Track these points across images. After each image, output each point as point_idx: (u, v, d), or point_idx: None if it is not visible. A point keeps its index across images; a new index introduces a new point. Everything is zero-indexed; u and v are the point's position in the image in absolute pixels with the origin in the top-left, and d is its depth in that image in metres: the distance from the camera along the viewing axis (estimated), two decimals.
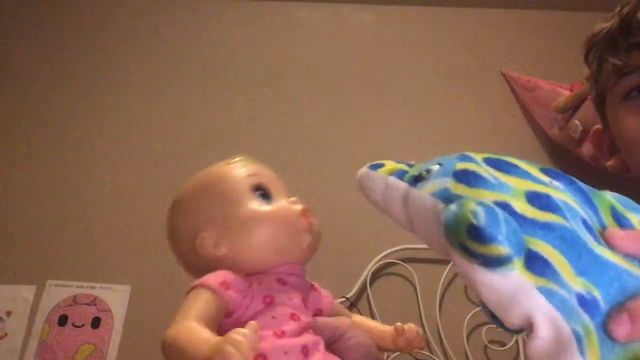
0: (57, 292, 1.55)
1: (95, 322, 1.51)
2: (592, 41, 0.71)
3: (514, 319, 0.36)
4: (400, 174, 0.47)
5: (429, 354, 1.45)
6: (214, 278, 0.50)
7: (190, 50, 1.91)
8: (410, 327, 0.59)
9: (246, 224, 0.55)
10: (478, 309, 1.49)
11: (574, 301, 0.35)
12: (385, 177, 0.48)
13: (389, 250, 1.54)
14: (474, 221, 0.35)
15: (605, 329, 0.34)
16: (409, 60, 1.90)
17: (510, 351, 1.46)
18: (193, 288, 0.49)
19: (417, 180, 0.44)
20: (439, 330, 1.48)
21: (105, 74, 1.88)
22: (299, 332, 0.50)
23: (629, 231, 0.39)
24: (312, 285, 0.58)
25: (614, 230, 0.39)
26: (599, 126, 0.79)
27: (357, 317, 0.62)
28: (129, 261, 1.59)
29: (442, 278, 1.52)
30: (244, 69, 1.88)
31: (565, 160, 1.68)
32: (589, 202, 0.42)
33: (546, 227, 0.37)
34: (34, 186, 1.70)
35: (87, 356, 1.48)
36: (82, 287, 1.55)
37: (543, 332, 0.35)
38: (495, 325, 0.41)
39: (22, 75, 1.88)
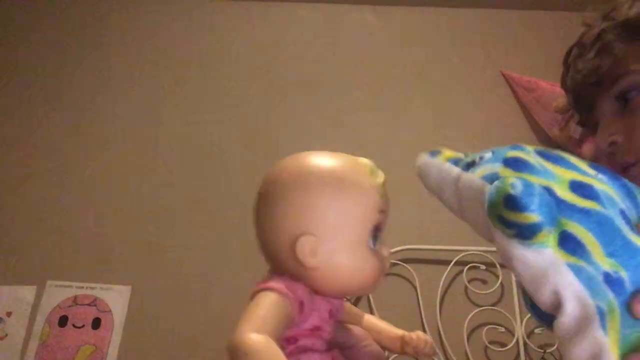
0: (58, 293, 1.54)
1: (96, 323, 1.51)
2: None
3: (545, 297, 0.39)
4: (455, 161, 0.50)
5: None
6: (297, 295, 0.48)
7: (190, 51, 1.91)
8: (419, 335, 0.59)
9: (351, 255, 0.51)
10: (478, 309, 1.50)
11: (600, 278, 0.37)
12: (441, 162, 0.51)
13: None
14: (511, 191, 0.38)
15: (628, 307, 0.36)
16: (409, 60, 1.90)
17: (510, 352, 1.46)
18: (278, 291, 0.47)
19: (469, 166, 0.47)
20: (439, 331, 1.48)
21: (105, 74, 1.88)
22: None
23: None
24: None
25: None
26: None
27: (368, 318, 0.62)
28: (129, 262, 1.59)
29: (442, 278, 1.52)
30: (243, 69, 1.88)
31: None
32: (631, 196, 0.45)
33: (584, 212, 0.40)
34: (34, 187, 1.70)
35: (87, 357, 1.47)
36: (82, 287, 1.55)
37: (570, 308, 0.37)
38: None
39: (24, 76, 1.88)
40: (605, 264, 0.38)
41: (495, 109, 1.81)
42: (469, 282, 1.53)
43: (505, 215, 0.38)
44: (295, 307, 0.47)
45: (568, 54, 0.76)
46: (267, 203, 0.53)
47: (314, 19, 1.98)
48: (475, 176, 0.45)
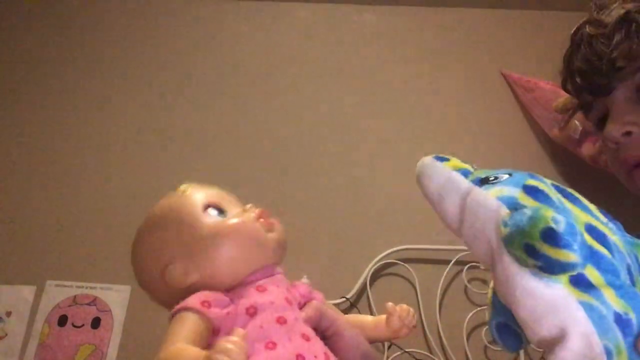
0: (57, 293, 1.55)
1: (95, 323, 1.51)
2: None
3: (545, 330, 0.38)
4: (465, 173, 0.49)
5: (428, 354, 1.45)
6: (194, 299, 0.50)
7: (190, 51, 1.91)
8: (402, 306, 0.60)
9: (208, 243, 0.55)
10: (478, 309, 1.50)
11: (611, 318, 0.37)
12: (449, 170, 0.50)
13: (389, 251, 1.54)
14: (554, 226, 0.37)
15: (636, 348, 0.37)
16: (408, 60, 1.90)
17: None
18: (176, 312, 0.50)
19: (483, 182, 0.47)
20: (438, 331, 1.48)
21: (106, 75, 1.88)
22: (290, 337, 0.50)
23: None
24: (296, 284, 0.58)
25: None
26: None
27: (349, 316, 0.62)
28: (129, 261, 1.58)
29: (442, 278, 1.53)
30: (243, 69, 1.88)
31: (565, 161, 1.68)
32: (634, 252, 0.45)
33: (598, 256, 0.40)
34: (34, 186, 1.70)
35: (87, 356, 1.48)
36: (82, 287, 1.55)
37: (573, 345, 0.37)
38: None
39: (24, 75, 1.88)
40: (617, 304, 0.38)
41: (495, 109, 1.81)
42: (468, 281, 1.53)
43: (539, 246, 0.37)
44: (200, 310, 0.49)
45: (576, 32, 0.70)
46: (132, 260, 0.64)
47: (313, 19, 1.97)
48: (489, 194, 0.45)
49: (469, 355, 1.45)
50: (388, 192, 1.67)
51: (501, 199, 0.44)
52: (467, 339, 1.47)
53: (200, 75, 1.87)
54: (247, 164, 1.71)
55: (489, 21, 1.95)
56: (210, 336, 0.48)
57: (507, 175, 0.47)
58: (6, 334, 1.51)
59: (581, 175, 1.65)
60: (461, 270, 1.54)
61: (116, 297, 1.54)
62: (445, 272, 1.53)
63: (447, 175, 0.49)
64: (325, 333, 0.55)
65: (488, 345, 1.46)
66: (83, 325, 1.51)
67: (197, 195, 0.59)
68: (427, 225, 1.63)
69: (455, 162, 0.52)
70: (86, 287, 1.55)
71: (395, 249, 1.54)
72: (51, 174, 1.72)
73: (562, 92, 1.58)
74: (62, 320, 1.51)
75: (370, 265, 1.53)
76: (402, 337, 0.59)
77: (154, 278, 0.58)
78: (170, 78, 1.87)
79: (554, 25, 1.90)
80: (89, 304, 1.53)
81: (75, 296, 1.54)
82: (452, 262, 1.54)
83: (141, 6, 1.99)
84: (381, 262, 1.54)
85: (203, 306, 0.49)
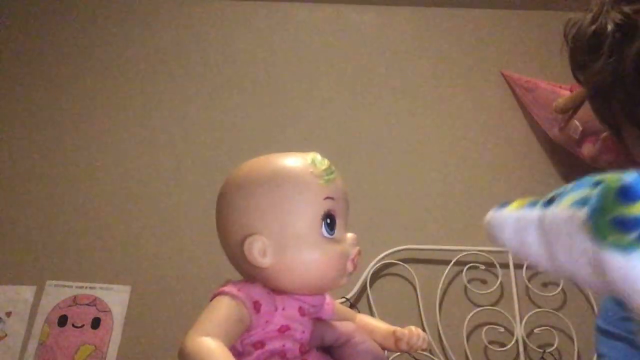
0: (57, 293, 1.55)
1: (95, 323, 1.51)
2: None
3: None
4: (531, 205, 0.45)
5: (428, 354, 1.45)
6: (250, 295, 0.48)
7: (190, 51, 1.91)
8: (411, 330, 0.57)
9: (304, 248, 0.51)
10: (478, 309, 1.50)
11: None
12: (515, 210, 0.46)
13: (389, 251, 1.54)
14: (623, 182, 0.32)
15: None
16: (409, 60, 1.90)
17: (510, 351, 1.46)
18: (228, 294, 0.47)
19: (549, 202, 0.42)
20: (439, 331, 1.48)
21: (106, 76, 1.88)
22: None
23: None
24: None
25: None
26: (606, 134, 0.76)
27: (361, 317, 0.61)
28: (129, 261, 1.59)
29: (442, 278, 1.53)
30: (243, 69, 1.88)
31: (565, 161, 1.68)
32: None
33: None
34: (34, 187, 1.70)
35: (87, 356, 1.47)
36: (82, 287, 1.55)
37: None
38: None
39: (23, 75, 1.88)
40: None
41: (495, 109, 1.81)
42: (468, 282, 1.53)
43: (621, 212, 0.32)
44: (249, 308, 0.47)
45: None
46: (218, 209, 0.55)
47: (313, 19, 1.98)
48: (561, 208, 0.40)
49: (469, 355, 1.45)
50: (388, 193, 1.67)
51: (574, 204, 0.39)
52: (467, 339, 1.47)
53: (200, 75, 1.87)
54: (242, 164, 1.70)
55: (489, 21, 1.95)
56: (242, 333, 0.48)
57: (570, 185, 0.43)
58: (6, 334, 1.50)
59: (581, 175, 1.65)
60: (461, 271, 1.54)
61: (116, 297, 1.54)
62: (445, 272, 1.53)
63: (514, 217, 0.45)
64: (335, 344, 0.55)
65: (488, 345, 1.46)
66: (83, 325, 1.51)
67: (327, 190, 0.52)
68: (427, 225, 1.63)
69: (518, 202, 0.47)
70: (86, 287, 1.55)
71: (395, 249, 1.54)
72: (51, 174, 1.72)
73: (562, 93, 1.59)
74: (62, 321, 1.51)
75: (370, 266, 1.53)
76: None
77: (233, 240, 0.52)
78: (170, 78, 1.87)
79: (554, 25, 1.90)
80: (89, 304, 1.53)
81: (75, 296, 1.54)
82: (452, 262, 1.54)
83: (142, 6, 1.99)
84: (381, 262, 1.54)
85: (254, 307, 0.47)
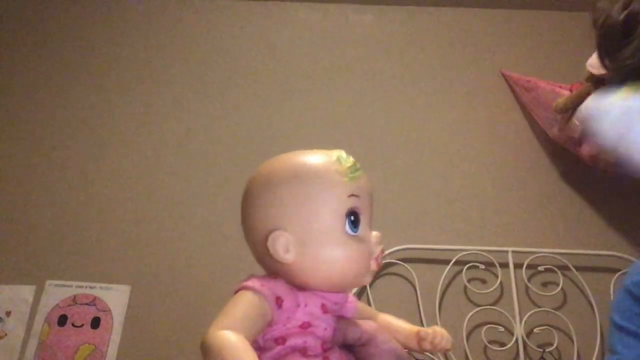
0: (57, 292, 1.55)
1: (95, 322, 1.51)
2: None
3: None
4: None
5: (428, 354, 1.45)
6: (273, 291, 0.48)
7: (190, 51, 1.91)
8: (435, 330, 0.57)
9: (327, 245, 0.51)
10: (478, 309, 1.50)
11: None
12: (621, 101, 0.44)
13: (389, 251, 1.53)
14: None
15: None
16: (409, 60, 1.90)
17: (510, 351, 1.46)
18: (251, 289, 0.47)
19: None
20: None
21: (106, 76, 1.88)
22: None
23: None
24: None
25: None
26: None
27: (383, 316, 0.61)
28: (129, 261, 1.59)
29: (442, 278, 1.53)
30: (243, 69, 1.88)
31: (565, 160, 1.68)
32: None
33: None
34: (34, 187, 1.70)
35: (87, 356, 1.47)
36: (82, 287, 1.55)
37: None
38: None
39: (24, 77, 1.88)
40: None
41: (495, 108, 1.81)
42: (468, 281, 1.53)
43: None
44: (271, 303, 0.47)
45: None
46: (243, 204, 0.55)
47: (313, 19, 1.97)
48: None
49: (469, 355, 1.46)
50: (388, 192, 1.67)
51: None
52: (467, 339, 1.47)
53: (200, 74, 1.87)
54: (243, 164, 1.70)
55: (489, 21, 1.95)
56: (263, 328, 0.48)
57: None
58: (6, 334, 1.50)
59: (581, 175, 1.65)
60: (461, 270, 1.54)
61: (116, 297, 1.54)
62: (445, 272, 1.53)
63: (621, 105, 0.43)
64: (357, 342, 0.55)
65: (488, 345, 1.46)
66: (83, 325, 1.51)
67: (352, 187, 0.53)
68: (427, 225, 1.63)
69: (624, 91, 0.45)
70: (86, 287, 1.55)
71: (395, 248, 1.54)
72: (51, 174, 1.72)
73: (562, 92, 1.58)
74: (62, 320, 1.51)
75: None
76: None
77: (257, 235, 0.52)
78: (170, 77, 1.86)
79: (554, 25, 1.90)
80: (88, 304, 1.53)
81: (75, 296, 1.54)
82: (452, 262, 1.54)
83: (142, 6, 1.99)
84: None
85: (277, 303, 0.48)
